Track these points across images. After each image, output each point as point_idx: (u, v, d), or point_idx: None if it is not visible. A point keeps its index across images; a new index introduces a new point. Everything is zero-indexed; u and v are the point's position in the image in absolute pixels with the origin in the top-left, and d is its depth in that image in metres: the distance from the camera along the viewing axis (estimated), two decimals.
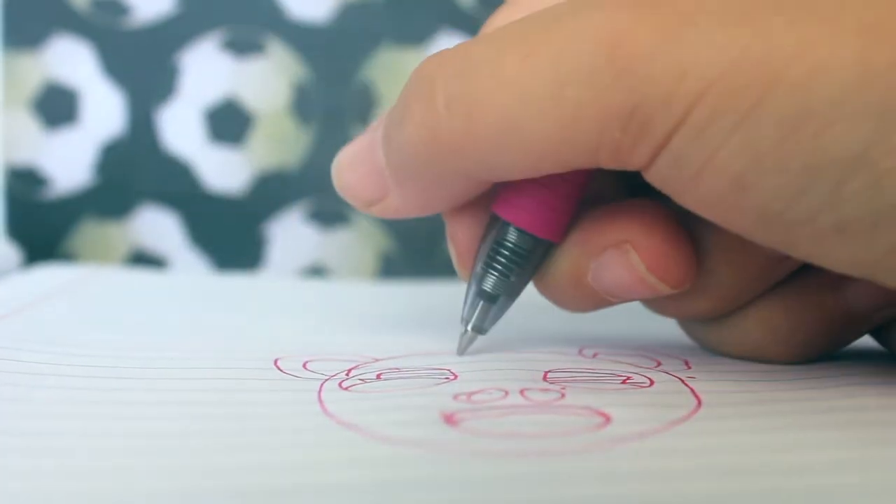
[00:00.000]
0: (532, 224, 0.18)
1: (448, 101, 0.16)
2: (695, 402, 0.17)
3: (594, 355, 0.21)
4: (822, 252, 0.16)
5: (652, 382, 0.18)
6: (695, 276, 0.18)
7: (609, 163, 0.16)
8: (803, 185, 0.15)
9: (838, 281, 0.19)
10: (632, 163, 0.16)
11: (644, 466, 0.14)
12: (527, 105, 0.15)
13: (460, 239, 0.20)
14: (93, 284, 0.33)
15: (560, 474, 0.13)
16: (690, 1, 0.15)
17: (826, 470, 0.14)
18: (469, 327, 0.20)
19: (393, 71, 0.41)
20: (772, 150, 0.14)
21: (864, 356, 0.21)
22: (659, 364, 0.20)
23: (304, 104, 0.41)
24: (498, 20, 0.19)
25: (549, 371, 0.19)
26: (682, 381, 0.19)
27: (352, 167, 0.19)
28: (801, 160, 0.14)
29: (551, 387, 0.18)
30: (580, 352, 0.22)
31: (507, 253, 0.19)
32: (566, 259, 0.19)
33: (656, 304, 0.20)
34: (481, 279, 0.19)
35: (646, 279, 0.18)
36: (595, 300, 0.19)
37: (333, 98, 0.41)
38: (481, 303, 0.19)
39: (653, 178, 0.16)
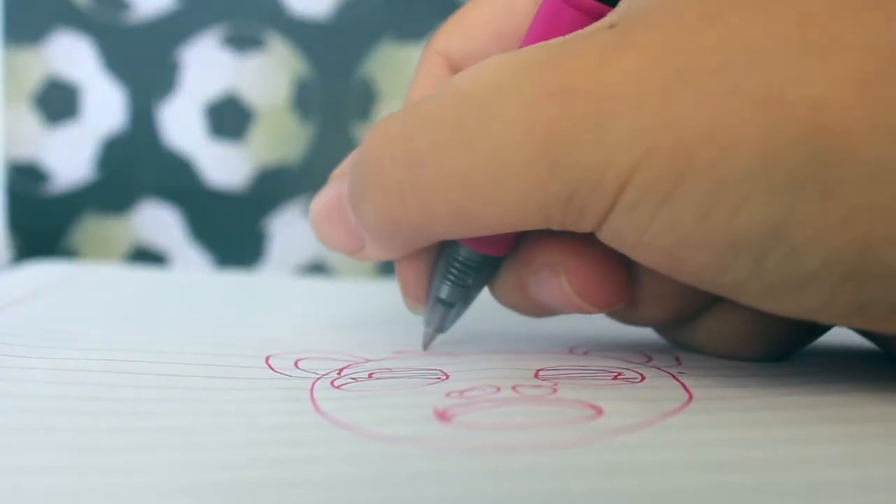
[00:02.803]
0: (480, 244, 0.19)
1: (401, 192, 0.17)
2: (686, 396, 0.17)
3: (585, 353, 0.21)
4: (759, 306, 0.16)
5: (643, 378, 0.19)
6: (626, 297, 0.19)
7: (560, 229, 0.17)
8: (727, 260, 0.15)
9: None
10: (581, 230, 0.17)
11: (636, 459, 0.14)
12: (473, 197, 0.16)
13: (408, 273, 0.21)
14: (85, 280, 0.33)
15: (552, 466, 0.13)
16: (609, 82, 0.15)
17: (818, 464, 0.14)
18: (431, 328, 0.22)
19: (393, 66, 0.41)
20: (694, 228, 0.15)
21: (856, 352, 0.21)
22: (650, 360, 0.20)
23: (304, 100, 0.41)
24: (439, 42, 0.21)
25: (541, 369, 0.19)
26: (674, 375, 0.19)
27: (328, 222, 0.20)
28: (722, 238, 0.15)
29: (543, 383, 0.18)
30: (571, 350, 0.22)
31: (459, 266, 0.20)
32: (510, 273, 0.20)
33: (612, 314, 0.21)
34: (438, 289, 0.21)
35: (574, 300, 0.19)
36: (541, 310, 0.20)
37: (334, 93, 0.41)
38: (440, 308, 0.21)
39: (602, 240, 0.17)
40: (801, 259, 0.15)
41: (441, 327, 0.21)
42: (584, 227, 0.16)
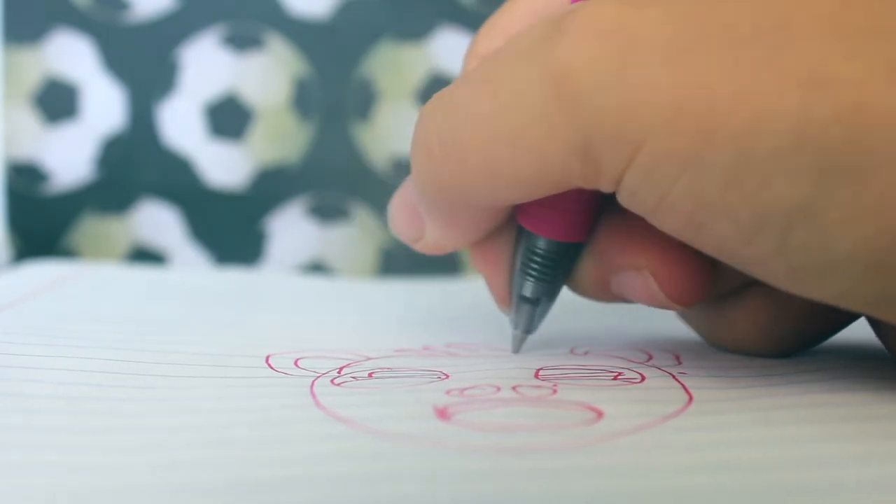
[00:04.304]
0: (557, 232, 0.19)
1: (441, 145, 0.17)
2: (686, 397, 0.17)
3: (585, 353, 0.21)
4: (779, 285, 0.16)
5: (643, 378, 0.18)
6: (709, 291, 0.19)
7: (587, 186, 0.16)
8: (751, 233, 0.15)
9: None
10: (603, 187, 0.16)
11: (636, 461, 0.14)
12: (499, 144, 0.16)
13: (487, 271, 0.21)
14: (85, 280, 0.33)
15: (552, 468, 0.13)
16: (635, 29, 0.15)
17: (819, 465, 0.13)
18: (519, 331, 0.21)
19: (393, 66, 0.41)
20: (718, 197, 0.15)
21: (858, 351, 0.21)
22: (650, 360, 0.20)
23: (304, 99, 0.41)
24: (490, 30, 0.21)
25: (541, 369, 0.19)
26: (674, 376, 0.19)
27: (398, 209, 0.20)
28: (749, 209, 0.14)
29: (543, 383, 0.18)
30: (571, 350, 0.22)
31: (539, 259, 0.19)
32: (590, 269, 0.20)
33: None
34: (520, 286, 0.20)
35: (662, 300, 0.19)
36: (619, 300, 0.20)
37: (333, 93, 0.41)
38: (525, 307, 0.20)
39: (623, 202, 0.16)
40: (828, 243, 0.14)
41: (528, 328, 0.21)
42: (605, 185, 0.16)
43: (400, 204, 0.20)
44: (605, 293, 0.20)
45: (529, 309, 0.20)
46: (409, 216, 0.20)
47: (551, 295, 0.20)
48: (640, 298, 0.19)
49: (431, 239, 0.20)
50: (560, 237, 0.19)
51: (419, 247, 0.20)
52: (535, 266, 0.19)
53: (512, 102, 0.16)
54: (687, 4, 0.15)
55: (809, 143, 0.14)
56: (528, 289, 0.20)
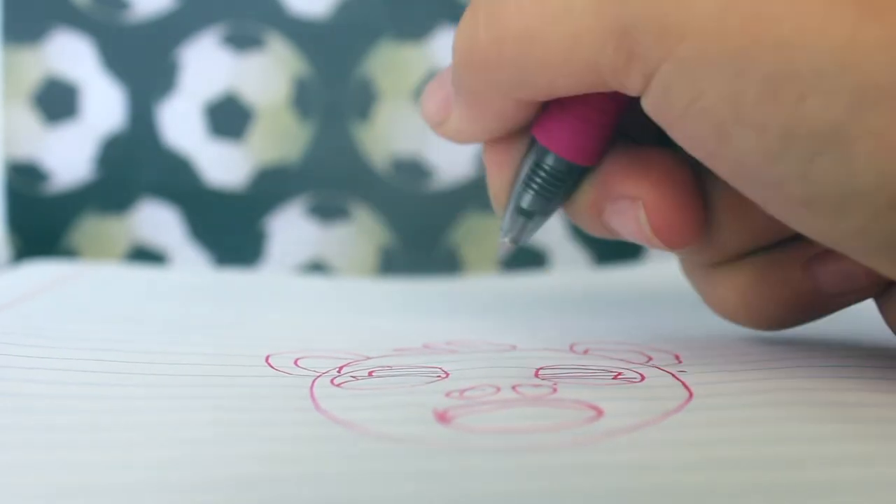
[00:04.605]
0: (567, 150, 0.19)
1: (485, 13, 0.17)
2: (686, 394, 0.17)
3: (585, 352, 0.21)
4: (791, 218, 0.16)
5: (643, 377, 0.18)
6: (700, 240, 0.19)
7: (613, 83, 0.16)
8: (778, 149, 0.15)
9: (811, 259, 0.19)
10: (630, 86, 0.16)
11: (637, 458, 0.14)
12: (543, 15, 0.16)
13: (494, 171, 0.21)
14: (85, 280, 0.33)
15: (553, 467, 0.13)
16: None
17: (820, 463, 0.14)
18: (507, 239, 0.21)
19: (393, 65, 0.41)
20: (753, 105, 0.14)
21: (860, 351, 0.21)
22: (650, 360, 0.20)
23: (303, 99, 0.41)
24: None
25: (541, 368, 0.19)
26: (674, 375, 0.19)
27: (430, 91, 0.21)
28: (780, 123, 0.14)
29: (543, 382, 0.18)
30: (571, 348, 0.22)
31: (544, 175, 0.20)
32: (588, 194, 0.20)
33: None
34: (520, 197, 0.20)
35: (648, 234, 0.19)
36: (611, 234, 0.20)
37: (333, 93, 0.41)
38: (520, 218, 0.21)
39: (647, 106, 0.16)
40: (853, 172, 0.14)
41: (517, 238, 0.21)
42: (634, 78, 0.16)
43: (434, 87, 0.21)
44: (596, 222, 0.20)
45: (523, 221, 0.20)
46: (439, 99, 0.20)
47: (547, 212, 0.20)
48: (628, 230, 0.19)
49: (454, 125, 0.20)
50: (570, 157, 0.19)
51: (441, 131, 0.21)
52: (539, 180, 0.20)
53: None
54: None
55: (852, 66, 0.14)
56: (527, 201, 0.20)
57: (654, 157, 0.19)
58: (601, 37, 0.16)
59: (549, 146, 0.19)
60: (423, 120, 0.21)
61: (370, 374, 0.19)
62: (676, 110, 0.16)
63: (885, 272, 0.16)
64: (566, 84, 0.17)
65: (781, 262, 0.20)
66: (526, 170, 0.20)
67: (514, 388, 0.17)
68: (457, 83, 0.19)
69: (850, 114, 0.14)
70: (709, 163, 0.16)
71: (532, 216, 0.20)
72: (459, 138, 0.20)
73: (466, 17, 0.18)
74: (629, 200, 0.19)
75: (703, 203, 0.19)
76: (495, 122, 0.20)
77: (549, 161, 0.19)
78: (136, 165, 0.41)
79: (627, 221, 0.19)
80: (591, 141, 0.19)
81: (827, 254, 0.19)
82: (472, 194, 0.41)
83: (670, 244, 0.19)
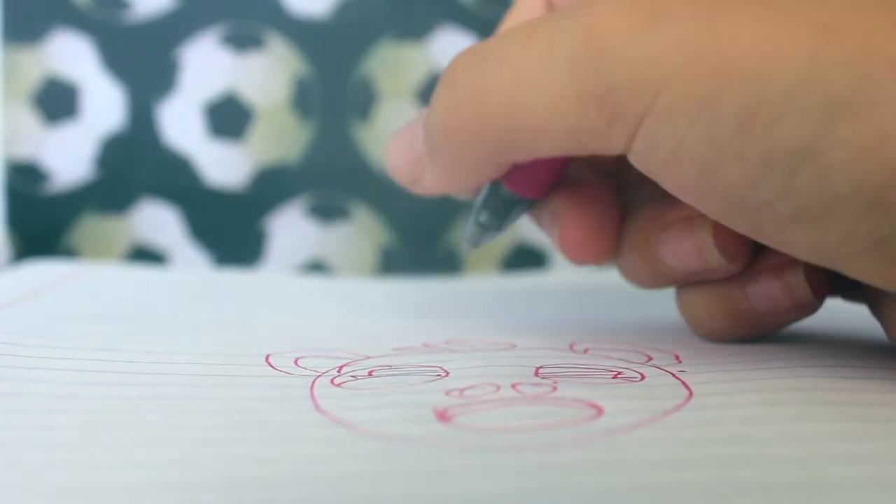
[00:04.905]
0: (519, 187, 0.21)
1: (464, 88, 0.18)
2: (686, 392, 0.17)
3: (585, 351, 0.21)
4: (783, 238, 0.17)
5: (643, 377, 0.18)
6: (607, 256, 0.22)
7: (593, 145, 0.17)
8: (760, 174, 0.16)
9: (746, 278, 0.20)
10: (612, 144, 0.17)
11: (637, 457, 0.14)
12: (525, 88, 0.17)
13: (466, 189, 0.23)
14: (85, 280, 0.33)
15: (553, 466, 0.13)
16: None
17: (820, 462, 0.14)
18: (467, 243, 0.24)
19: (393, 65, 0.41)
20: (731, 139, 0.15)
21: (861, 350, 0.21)
22: (650, 359, 0.20)
23: (304, 99, 0.41)
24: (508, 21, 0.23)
25: (541, 366, 0.19)
26: (673, 374, 0.19)
27: (396, 151, 0.22)
28: (758, 150, 0.15)
29: (543, 381, 0.18)
30: (571, 347, 0.22)
31: (499, 201, 0.22)
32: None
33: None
34: (478, 213, 0.22)
35: (562, 248, 0.21)
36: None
37: (333, 93, 0.41)
38: (477, 229, 0.23)
39: (634, 160, 0.17)
40: (831, 180, 0.15)
41: (476, 244, 0.23)
42: (617, 137, 0.17)
43: (398, 146, 0.22)
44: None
45: (481, 231, 0.23)
46: (409, 158, 0.21)
47: (501, 228, 0.23)
48: (554, 241, 0.22)
49: (430, 185, 0.21)
50: (523, 194, 0.21)
51: (416, 189, 0.22)
52: (493, 205, 0.22)
53: (543, 48, 0.17)
54: None
55: (817, 83, 0.15)
56: (483, 218, 0.22)
57: (591, 191, 0.21)
58: (582, 104, 0.17)
59: (505, 183, 0.21)
60: (392, 176, 0.22)
61: (370, 373, 0.19)
62: (662, 158, 0.17)
63: (877, 280, 0.16)
64: (549, 148, 0.18)
65: (723, 281, 0.21)
66: (485, 193, 0.22)
67: (514, 386, 0.17)
68: (435, 152, 0.20)
69: (821, 128, 0.15)
70: (700, 205, 0.17)
71: (488, 229, 0.23)
72: (432, 193, 0.22)
73: (443, 90, 0.19)
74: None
75: (613, 235, 0.21)
76: (474, 180, 0.21)
77: (504, 193, 0.21)
78: (136, 165, 0.41)
79: (553, 235, 0.22)
80: (541, 180, 0.21)
81: (758, 275, 0.20)
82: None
83: (580, 258, 0.21)
